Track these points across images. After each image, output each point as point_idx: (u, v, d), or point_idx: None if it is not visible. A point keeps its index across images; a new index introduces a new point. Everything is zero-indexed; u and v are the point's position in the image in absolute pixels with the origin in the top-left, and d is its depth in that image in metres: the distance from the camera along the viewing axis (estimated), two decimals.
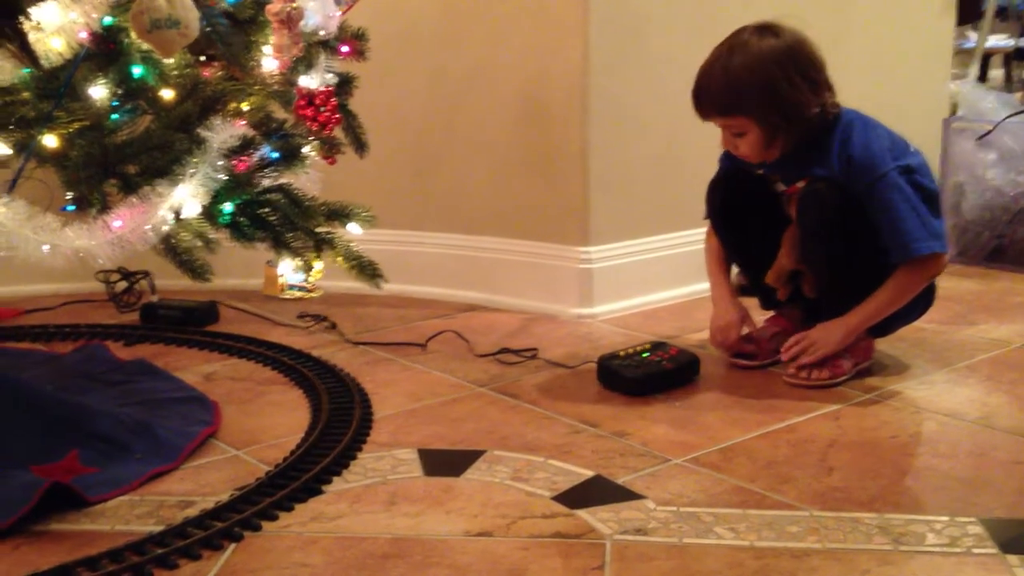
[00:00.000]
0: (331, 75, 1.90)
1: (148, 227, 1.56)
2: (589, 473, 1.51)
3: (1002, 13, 4.66)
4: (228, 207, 1.75)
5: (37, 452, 1.51)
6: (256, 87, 1.77)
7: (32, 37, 1.41)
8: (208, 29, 1.60)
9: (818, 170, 1.83)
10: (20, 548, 1.32)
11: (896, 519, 1.35)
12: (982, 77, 4.40)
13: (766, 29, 1.79)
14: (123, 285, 2.47)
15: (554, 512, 1.39)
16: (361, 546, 1.31)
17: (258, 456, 1.60)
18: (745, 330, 2.01)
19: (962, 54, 4.22)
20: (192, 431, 1.66)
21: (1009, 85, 4.96)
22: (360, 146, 2.10)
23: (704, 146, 1.97)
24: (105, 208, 1.59)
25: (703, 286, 2.45)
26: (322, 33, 1.86)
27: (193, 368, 2.03)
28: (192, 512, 1.39)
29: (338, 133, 1.98)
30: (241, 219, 1.79)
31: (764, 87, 1.76)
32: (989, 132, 2.75)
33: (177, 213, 1.61)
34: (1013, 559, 1.24)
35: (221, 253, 1.81)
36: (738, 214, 1.99)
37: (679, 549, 1.29)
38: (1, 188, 1.49)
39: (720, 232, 2.03)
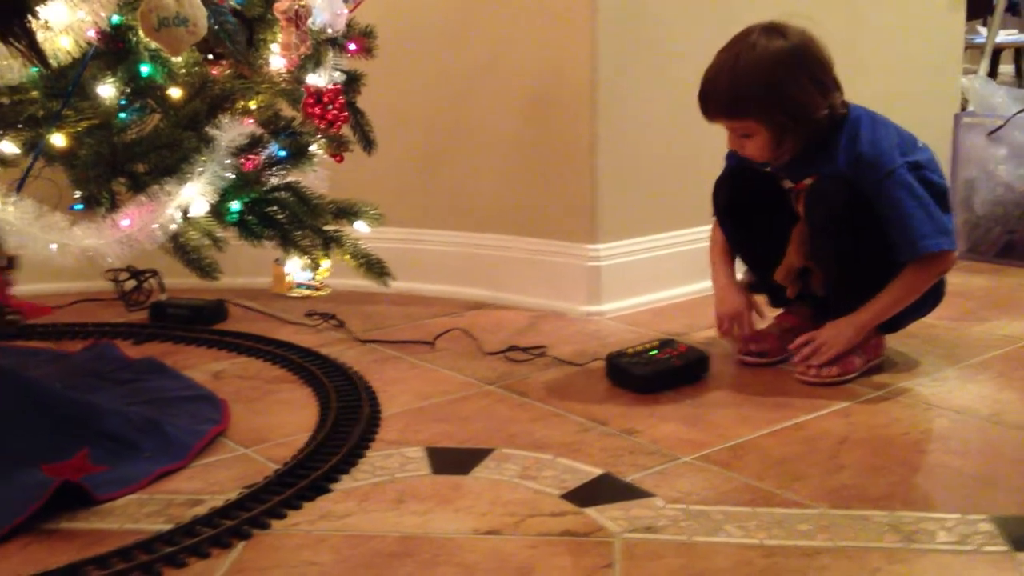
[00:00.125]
0: (339, 73, 1.90)
1: (156, 226, 1.56)
2: (598, 471, 1.51)
3: (1012, 8, 4.65)
4: (236, 205, 1.75)
5: (46, 451, 1.51)
6: (264, 85, 1.77)
7: (40, 36, 1.41)
8: (216, 27, 1.60)
9: (825, 168, 1.83)
10: (30, 546, 1.32)
11: (907, 517, 1.34)
12: (992, 72, 4.39)
13: (773, 30, 1.78)
14: (132, 284, 2.47)
15: (563, 510, 1.39)
16: (370, 544, 1.31)
17: (267, 454, 1.60)
18: (756, 320, 2.00)
19: (972, 49, 4.21)
20: (201, 429, 1.66)
21: (1020, 80, 4.94)
22: (368, 144, 2.10)
23: (713, 142, 1.97)
24: (114, 207, 1.59)
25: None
26: (330, 31, 1.86)
27: (202, 366, 2.04)
28: (201, 510, 1.40)
29: (346, 131, 1.98)
30: (249, 217, 1.79)
31: (771, 90, 1.75)
32: (1000, 127, 2.74)
33: (185, 212, 1.61)
34: None
35: (229, 251, 1.81)
36: (745, 212, 1.98)
37: (688, 547, 1.28)
38: (10, 187, 1.49)
39: (727, 230, 2.03)
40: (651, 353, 1.89)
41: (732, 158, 1.97)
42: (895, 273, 1.84)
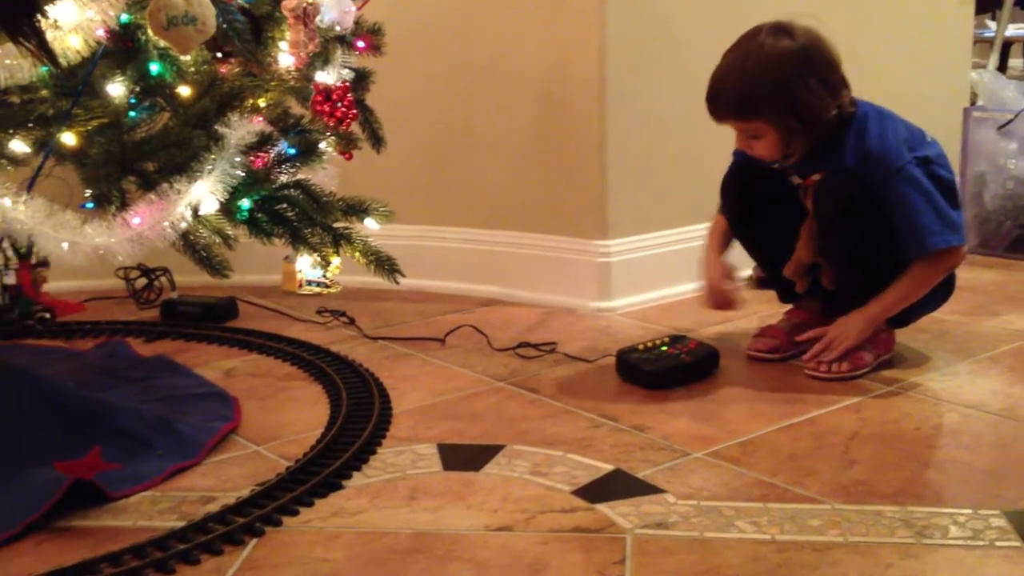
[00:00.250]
0: (347, 70, 1.90)
1: (167, 224, 1.56)
2: (609, 467, 1.51)
3: (1022, 2, 4.62)
4: (246, 203, 1.75)
5: (59, 449, 1.52)
6: (273, 83, 1.77)
7: (50, 35, 1.41)
8: (224, 25, 1.60)
9: (833, 164, 1.82)
10: (43, 544, 1.32)
11: (919, 512, 1.34)
12: (1002, 66, 4.37)
13: (781, 30, 1.77)
14: (143, 282, 2.48)
15: (574, 506, 1.39)
16: (382, 541, 1.31)
17: (278, 451, 1.61)
18: (740, 294, 2.00)
19: (981, 43, 4.19)
20: (213, 427, 1.66)
21: None
22: (377, 141, 2.10)
23: (722, 138, 1.96)
24: (124, 205, 1.59)
25: None
26: (338, 28, 1.86)
27: (213, 364, 2.04)
28: (213, 508, 1.40)
29: (355, 128, 1.98)
30: (259, 215, 1.79)
31: (780, 91, 1.75)
32: (1010, 121, 2.73)
33: (195, 210, 1.61)
34: None
35: (239, 249, 1.81)
36: (754, 207, 1.98)
37: (700, 543, 1.28)
38: (21, 186, 1.50)
39: (736, 226, 2.02)
40: (661, 349, 1.89)
41: (740, 153, 1.97)
42: (904, 268, 1.83)
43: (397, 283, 2.00)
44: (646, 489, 1.44)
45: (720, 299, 1.99)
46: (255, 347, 2.14)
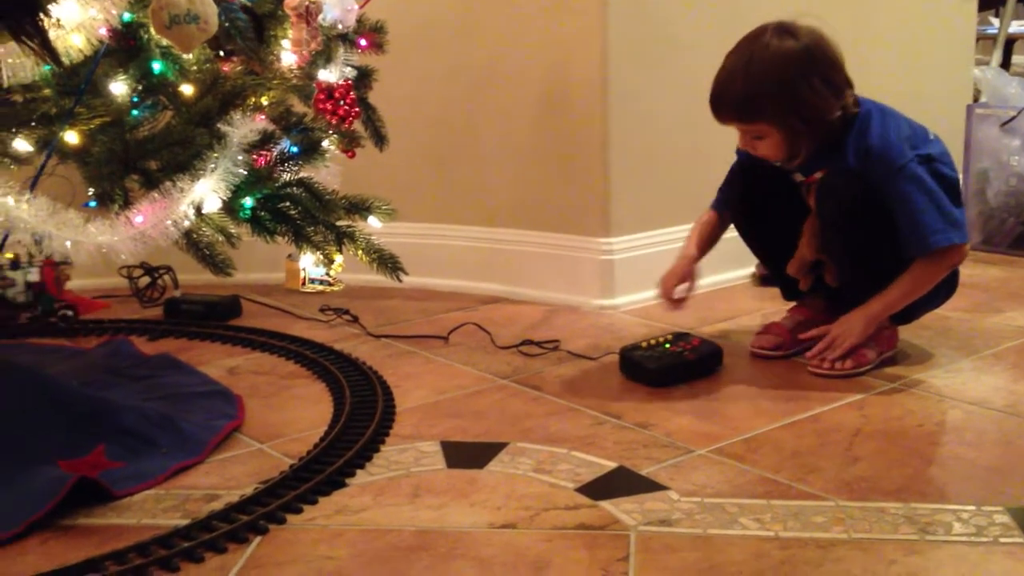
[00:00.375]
0: (350, 68, 1.90)
1: (170, 222, 1.57)
2: (612, 464, 1.51)
3: None
4: (248, 202, 1.75)
5: (63, 447, 1.52)
6: (275, 81, 1.78)
7: (52, 34, 1.42)
8: (227, 24, 1.60)
9: (836, 162, 1.82)
10: (48, 542, 1.33)
11: (922, 508, 1.34)
12: (1005, 63, 4.36)
13: (784, 31, 1.76)
14: (146, 280, 2.48)
15: (578, 504, 1.39)
16: (386, 538, 1.31)
17: (282, 449, 1.61)
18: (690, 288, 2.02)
19: (985, 40, 4.19)
20: (216, 425, 1.66)
21: None
22: (380, 139, 2.10)
23: (725, 137, 1.96)
24: (127, 204, 1.60)
25: (725, 276, 2.45)
26: (340, 27, 1.86)
27: (216, 362, 2.04)
28: (217, 505, 1.40)
29: (357, 126, 1.99)
30: (262, 213, 1.79)
31: (783, 93, 1.74)
32: (1013, 118, 2.73)
33: (198, 208, 1.62)
34: None
35: (242, 247, 1.82)
36: (757, 205, 1.98)
37: (704, 540, 1.28)
38: (24, 185, 1.50)
39: (739, 224, 2.02)
40: (665, 346, 1.89)
41: (742, 152, 1.96)
42: (907, 265, 1.83)
43: (400, 281, 2.00)
44: (650, 486, 1.44)
45: (668, 304, 2.02)
46: (258, 345, 2.14)
